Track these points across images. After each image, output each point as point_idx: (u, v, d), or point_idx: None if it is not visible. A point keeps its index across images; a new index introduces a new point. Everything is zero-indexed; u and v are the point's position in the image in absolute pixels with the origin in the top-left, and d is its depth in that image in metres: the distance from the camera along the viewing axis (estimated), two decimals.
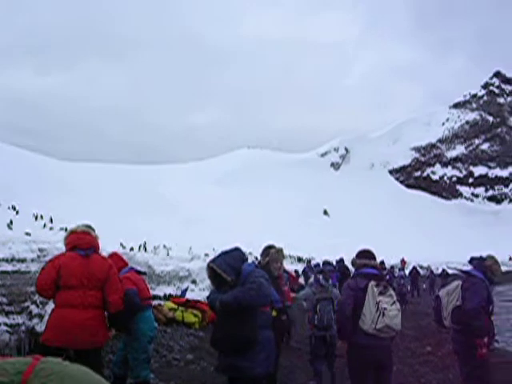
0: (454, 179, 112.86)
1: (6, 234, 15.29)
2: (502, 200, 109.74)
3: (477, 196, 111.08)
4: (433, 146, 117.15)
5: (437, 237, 76.14)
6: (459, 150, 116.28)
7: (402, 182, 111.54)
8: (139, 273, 7.32)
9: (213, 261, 5.48)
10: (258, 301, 5.30)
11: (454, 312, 6.57)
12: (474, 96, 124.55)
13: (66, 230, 23.47)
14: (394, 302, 5.87)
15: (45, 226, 29.09)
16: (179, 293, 16.46)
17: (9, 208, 31.98)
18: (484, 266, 6.81)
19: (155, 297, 15.32)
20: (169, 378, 8.53)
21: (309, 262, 32.83)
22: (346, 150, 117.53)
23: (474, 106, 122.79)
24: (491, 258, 7.01)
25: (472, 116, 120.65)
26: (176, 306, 13.87)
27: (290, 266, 31.98)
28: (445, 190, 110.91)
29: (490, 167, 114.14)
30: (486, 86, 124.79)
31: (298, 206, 75.20)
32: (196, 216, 53.23)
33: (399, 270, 29.06)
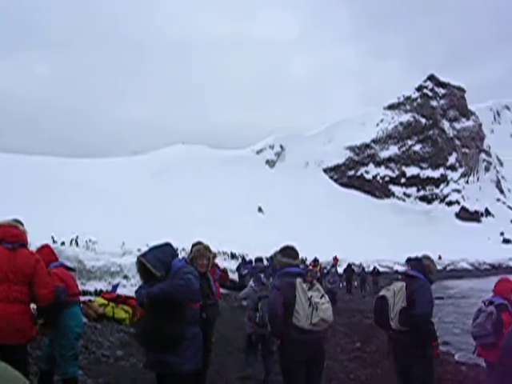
0: (387, 179, 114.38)
1: None
2: (433, 200, 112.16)
3: (409, 196, 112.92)
4: (367, 145, 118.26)
5: (369, 235, 76.88)
6: (392, 150, 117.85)
7: (335, 181, 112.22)
8: (68, 269, 7.17)
9: (143, 255, 5.51)
10: (186, 296, 5.37)
11: (402, 314, 6.40)
12: (408, 98, 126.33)
13: None
14: (323, 295, 5.93)
15: None
16: (110, 288, 16.42)
17: None
18: (423, 267, 6.76)
19: (86, 292, 15.68)
20: (98, 375, 8.53)
21: (243, 258, 32.74)
22: (282, 147, 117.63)
23: (408, 107, 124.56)
24: (427, 258, 7.03)
25: (405, 118, 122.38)
26: (106, 302, 13.80)
27: (223, 263, 31.61)
28: (378, 190, 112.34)
29: (421, 168, 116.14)
30: (419, 88, 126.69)
31: (232, 202, 74.71)
32: (129, 211, 51.96)
33: (331, 267, 29.12)
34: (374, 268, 38.68)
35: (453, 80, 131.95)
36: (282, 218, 75.69)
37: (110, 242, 23.88)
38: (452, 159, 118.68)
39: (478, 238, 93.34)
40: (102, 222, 39.26)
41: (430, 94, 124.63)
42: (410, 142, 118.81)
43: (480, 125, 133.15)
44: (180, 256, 6.32)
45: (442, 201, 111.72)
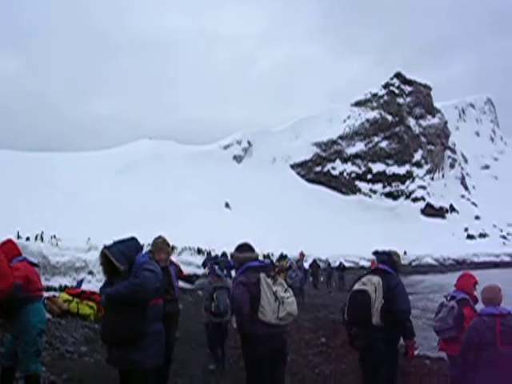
0: (353, 175, 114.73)
1: None
2: (399, 196, 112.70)
3: (375, 192, 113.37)
4: (333, 142, 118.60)
5: (335, 231, 77.26)
6: (359, 146, 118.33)
7: (302, 177, 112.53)
8: (32, 264, 6.98)
9: (107, 247, 5.44)
10: (142, 297, 5.30)
11: (383, 310, 6.34)
12: (375, 95, 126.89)
13: None
14: (287, 289, 5.97)
15: None
16: (75, 284, 16.33)
17: None
18: (393, 262, 6.73)
19: (50, 288, 15.71)
20: (61, 371, 8.42)
21: (209, 253, 32.59)
22: (249, 143, 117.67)
23: (375, 104, 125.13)
24: (395, 253, 6.92)
25: (372, 114, 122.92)
26: (71, 298, 13.70)
27: (190, 258, 31.46)
28: (344, 186, 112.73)
29: (387, 164, 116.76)
30: (386, 85, 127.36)
31: (199, 198, 74.31)
32: (95, 206, 51.76)
33: (296, 262, 29.09)
34: (340, 263, 38.69)
35: (420, 78, 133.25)
36: (249, 213, 75.56)
37: (76, 238, 23.64)
38: (418, 156, 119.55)
39: (442, 234, 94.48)
40: (67, 218, 39.05)
41: (396, 91, 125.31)
42: (376, 139, 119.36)
43: (445, 122, 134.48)
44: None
45: (407, 197, 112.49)
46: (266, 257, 36.75)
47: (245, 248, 6.32)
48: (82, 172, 69.05)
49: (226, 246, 33.10)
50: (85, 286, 15.84)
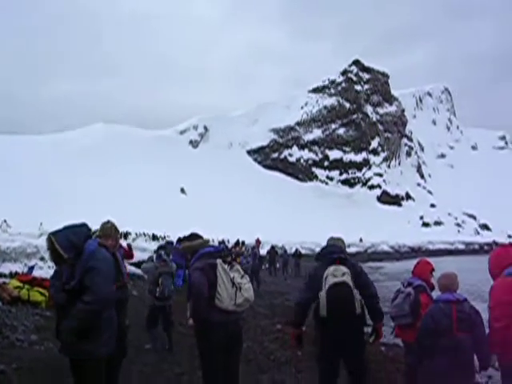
0: (310, 162, 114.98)
1: None
2: (355, 184, 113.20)
3: (331, 179, 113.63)
4: (291, 128, 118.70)
5: (292, 217, 77.24)
6: (316, 133, 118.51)
7: (259, 163, 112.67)
8: None
9: (54, 233, 5.24)
10: (101, 307, 5.10)
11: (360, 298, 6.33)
12: (333, 82, 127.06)
13: None
14: (243, 275, 6.02)
15: None
16: (26, 270, 16.13)
17: None
18: (344, 249, 6.78)
19: (0, 274, 15.36)
20: (11, 360, 8.31)
21: (163, 239, 32.07)
22: (205, 128, 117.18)
23: (333, 91, 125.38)
24: (342, 239, 6.94)
25: (330, 101, 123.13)
26: (22, 285, 13.49)
27: (144, 244, 30.66)
28: (301, 172, 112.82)
29: (344, 152, 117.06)
30: (344, 72, 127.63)
31: (154, 183, 73.52)
32: (48, 190, 50.75)
33: (252, 249, 28.65)
34: (297, 250, 38.33)
35: (379, 65, 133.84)
36: (205, 199, 75.07)
37: (27, 223, 23.18)
38: (374, 143, 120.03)
39: (398, 222, 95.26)
40: (18, 202, 38.97)
41: (354, 78, 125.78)
42: (333, 126, 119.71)
43: (402, 110, 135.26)
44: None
45: (364, 184, 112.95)
46: (222, 243, 36.11)
47: (194, 237, 6.39)
48: (36, 156, 68.15)
49: (182, 231, 32.28)
50: (36, 273, 15.68)
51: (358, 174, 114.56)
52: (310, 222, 76.16)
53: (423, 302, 6.66)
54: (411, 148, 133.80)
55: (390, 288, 24.28)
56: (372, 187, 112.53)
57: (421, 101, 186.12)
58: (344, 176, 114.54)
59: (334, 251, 6.42)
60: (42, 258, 18.15)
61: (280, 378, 8.67)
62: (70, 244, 5.14)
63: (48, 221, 23.53)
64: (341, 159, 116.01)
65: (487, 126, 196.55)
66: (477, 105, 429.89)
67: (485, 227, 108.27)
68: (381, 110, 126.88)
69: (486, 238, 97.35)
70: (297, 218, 77.86)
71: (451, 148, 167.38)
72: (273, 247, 37.11)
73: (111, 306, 5.43)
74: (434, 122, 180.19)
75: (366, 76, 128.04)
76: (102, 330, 5.23)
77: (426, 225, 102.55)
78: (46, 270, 16.79)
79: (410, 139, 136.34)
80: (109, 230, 7.06)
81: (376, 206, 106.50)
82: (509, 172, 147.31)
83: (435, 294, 6.75)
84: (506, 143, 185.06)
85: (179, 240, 24.52)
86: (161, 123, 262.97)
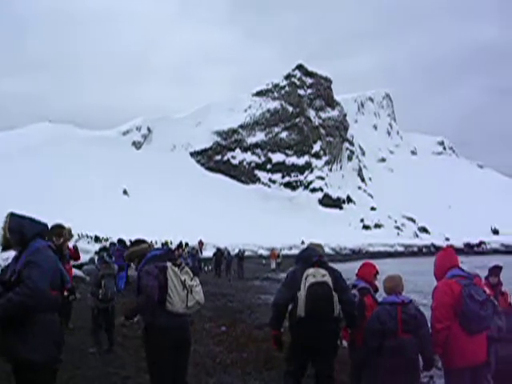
0: (253, 165, 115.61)
1: None
2: (297, 187, 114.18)
3: (274, 182, 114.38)
4: (234, 131, 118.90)
5: (235, 219, 77.29)
6: (259, 136, 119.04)
7: (202, 165, 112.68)
8: None
9: (13, 214, 5.15)
10: (29, 301, 4.79)
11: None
12: (277, 86, 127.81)
13: None
14: (193, 278, 5.99)
15: None
16: None
17: None
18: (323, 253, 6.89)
19: None
20: None
21: (106, 240, 31.59)
22: (149, 129, 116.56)
23: (276, 95, 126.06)
24: (321, 245, 7.07)
25: (273, 105, 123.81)
26: None
27: (87, 246, 30.24)
28: (244, 175, 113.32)
29: (287, 155, 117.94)
30: (288, 76, 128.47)
31: (97, 184, 72.90)
32: None
33: (192, 249, 28.48)
34: (239, 251, 38.25)
35: (322, 70, 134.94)
36: (148, 201, 74.79)
37: None
38: (317, 147, 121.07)
39: (339, 224, 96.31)
40: None
41: (297, 82, 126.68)
42: (276, 129, 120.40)
43: (344, 115, 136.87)
44: None
45: (306, 187, 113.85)
46: (165, 244, 35.94)
47: (139, 242, 6.37)
48: None
49: (124, 233, 32.09)
50: None
51: (300, 177, 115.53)
52: (253, 224, 76.43)
53: (368, 304, 6.68)
54: (352, 152, 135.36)
55: None
56: (314, 190, 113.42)
57: (362, 106, 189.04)
58: (286, 179, 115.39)
59: (314, 254, 6.42)
60: None
61: (227, 381, 8.62)
62: (19, 230, 5.06)
63: None
64: (283, 162, 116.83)
65: (426, 131, 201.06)
66: (417, 111, 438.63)
67: (423, 230, 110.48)
68: (323, 115, 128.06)
69: (424, 240, 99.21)
70: (240, 220, 77.98)
71: (391, 152, 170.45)
72: (219, 249, 37.11)
73: (51, 310, 5.19)
74: (375, 127, 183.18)
75: (309, 80, 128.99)
76: (35, 333, 4.95)
77: (366, 227, 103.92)
78: None
79: (352, 143, 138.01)
80: (61, 230, 7.12)
81: (318, 209, 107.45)
82: (447, 177, 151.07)
83: (379, 296, 6.86)
84: (445, 148, 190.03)
85: (120, 241, 24.35)
86: (104, 123, 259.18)
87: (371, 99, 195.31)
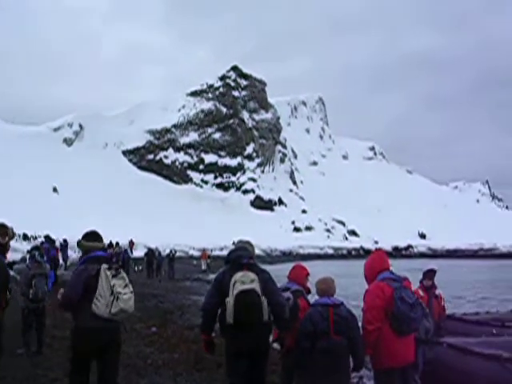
0: (186, 165, 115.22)
1: None
2: (230, 188, 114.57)
3: (206, 182, 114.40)
4: (167, 130, 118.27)
5: (166, 220, 76.73)
6: (192, 136, 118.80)
7: (134, 164, 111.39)
8: None
9: None
10: None
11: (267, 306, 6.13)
12: (211, 86, 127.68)
13: None
14: (127, 285, 5.93)
15: None
16: None
17: None
18: (253, 254, 6.58)
19: None
20: None
21: (35, 239, 30.87)
22: (81, 126, 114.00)
23: (210, 96, 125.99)
24: (251, 243, 6.73)
25: (207, 105, 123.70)
26: None
27: (16, 245, 29.59)
28: (176, 175, 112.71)
29: (220, 156, 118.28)
30: (222, 78, 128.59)
31: (26, 181, 70.88)
32: None
33: (125, 250, 28.26)
34: (170, 252, 38.12)
35: (258, 71, 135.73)
36: (79, 199, 73.54)
37: None
38: (250, 149, 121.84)
39: (270, 226, 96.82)
40: None
41: (232, 84, 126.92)
42: (209, 130, 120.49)
43: (278, 118, 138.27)
44: None
45: (238, 189, 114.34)
46: (110, 246, 35.39)
47: (92, 236, 6.25)
48: None
49: (53, 231, 31.53)
50: None
51: (233, 179, 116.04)
52: (185, 224, 76.27)
53: (301, 306, 6.67)
54: (285, 155, 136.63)
55: None
56: (246, 192, 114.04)
57: (296, 109, 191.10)
58: (219, 180, 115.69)
59: (243, 256, 6.13)
60: None
61: (158, 382, 8.61)
62: None
63: None
64: (216, 163, 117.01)
65: (358, 136, 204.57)
66: (349, 116, 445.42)
67: (353, 233, 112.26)
68: (257, 117, 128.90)
69: (354, 243, 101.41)
70: (171, 220, 77.58)
71: (323, 156, 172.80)
72: (150, 249, 36.89)
73: None
74: (308, 131, 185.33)
75: (243, 82, 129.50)
76: None
77: (297, 230, 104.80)
78: None
79: (284, 146, 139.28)
80: (6, 229, 7.01)
81: (249, 211, 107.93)
82: (377, 181, 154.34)
83: (312, 297, 6.89)
84: (375, 154, 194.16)
85: (47, 238, 23.92)
86: (33, 119, 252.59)
87: (304, 103, 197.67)
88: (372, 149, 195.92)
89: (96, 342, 5.73)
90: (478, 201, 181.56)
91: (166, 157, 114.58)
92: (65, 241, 32.37)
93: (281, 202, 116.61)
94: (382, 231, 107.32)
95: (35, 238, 30.96)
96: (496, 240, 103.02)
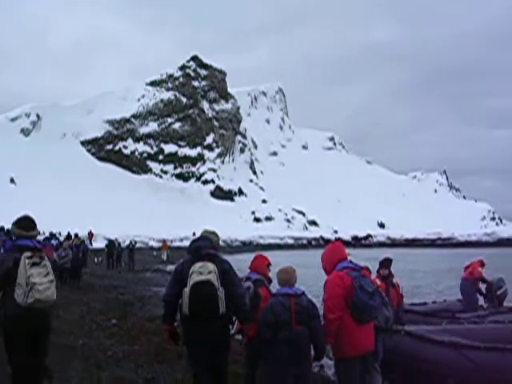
0: (145, 155, 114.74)
1: None
2: (189, 178, 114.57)
3: (166, 173, 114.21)
4: (127, 120, 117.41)
5: (126, 210, 76.32)
6: (152, 126, 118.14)
7: (93, 154, 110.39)
8: None
9: None
10: None
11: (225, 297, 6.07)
12: (171, 76, 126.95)
13: None
14: (48, 274, 5.87)
15: None
16: None
17: None
18: (217, 244, 6.62)
19: None
20: None
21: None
22: (38, 116, 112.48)
23: (170, 85, 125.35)
24: (215, 233, 6.71)
25: (167, 95, 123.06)
26: None
27: None
28: (135, 165, 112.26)
29: (180, 146, 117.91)
30: (182, 68, 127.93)
31: None
32: None
33: (74, 241, 27.90)
34: (130, 243, 37.84)
35: (217, 63, 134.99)
36: (36, 189, 72.87)
37: None
38: (209, 139, 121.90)
39: (231, 216, 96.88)
40: None
41: (192, 74, 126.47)
42: (169, 120, 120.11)
43: (238, 108, 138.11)
44: None
45: (198, 179, 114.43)
46: (54, 236, 34.87)
47: (24, 223, 6.15)
48: None
49: (8, 223, 31.04)
50: None
51: (193, 169, 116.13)
52: (144, 215, 75.92)
53: (263, 296, 6.72)
54: (245, 145, 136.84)
55: None
56: (206, 182, 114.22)
57: (256, 100, 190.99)
58: (178, 170, 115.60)
59: (204, 246, 6.07)
60: None
61: (120, 374, 8.43)
62: None
63: None
64: (176, 153, 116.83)
65: (318, 127, 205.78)
66: (309, 106, 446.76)
67: (313, 223, 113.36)
68: (217, 107, 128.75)
69: (313, 233, 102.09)
70: (131, 211, 77.13)
71: (283, 147, 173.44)
72: (111, 241, 36.63)
73: None
74: (268, 121, 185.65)
75: (203, 72, 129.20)
76: None
77: (257, 220, 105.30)
78: None
79: (244, 136, 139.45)
80: None
81: (209, 201, 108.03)
82: (336, 171, 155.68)
83: (273, 287, 6.95)
84: (335, 144, 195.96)
85: (2, 230, 23.48)
86: None
87: (264, 93, 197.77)
88: (332, 139, 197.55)
89: (23, 329, 5.74)
90: (435, 191, 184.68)
91: (125, 147, 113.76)
92: None
93: (241, 192, 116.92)
94: (342, 221, 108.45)
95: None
96: (453, 229, 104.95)
